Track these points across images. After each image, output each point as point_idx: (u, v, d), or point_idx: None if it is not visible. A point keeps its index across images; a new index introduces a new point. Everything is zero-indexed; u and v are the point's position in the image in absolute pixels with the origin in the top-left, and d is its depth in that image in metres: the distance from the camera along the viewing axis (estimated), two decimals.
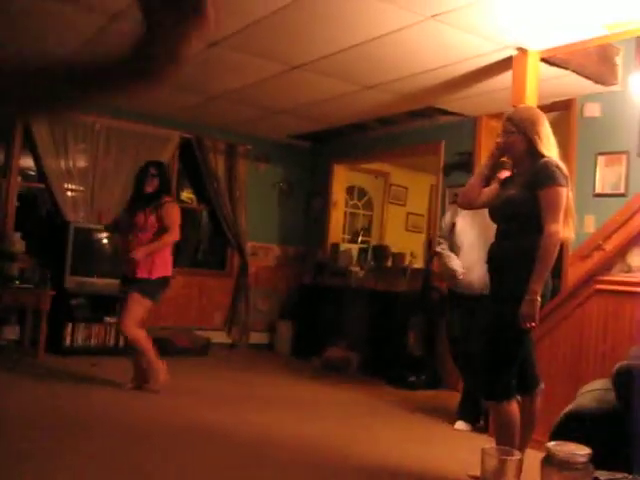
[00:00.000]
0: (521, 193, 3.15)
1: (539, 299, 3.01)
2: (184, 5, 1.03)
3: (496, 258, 3.27)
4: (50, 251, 6.77)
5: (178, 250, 8.00)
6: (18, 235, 6.44)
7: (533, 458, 2.13)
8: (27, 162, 7.02)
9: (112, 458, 3.33)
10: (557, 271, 4.51)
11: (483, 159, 3.57)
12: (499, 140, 3.32)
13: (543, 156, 3.14)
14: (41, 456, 3.23)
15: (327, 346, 7.18)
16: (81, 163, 7.09)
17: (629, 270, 4.04)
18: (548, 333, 4.20)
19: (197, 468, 3.33)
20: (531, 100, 4.50)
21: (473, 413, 4.65)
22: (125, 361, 5.26)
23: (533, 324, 3.02)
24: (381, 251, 7.86)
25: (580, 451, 1.54)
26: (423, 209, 10.02)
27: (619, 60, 5.08)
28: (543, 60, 4.68)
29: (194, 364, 6.57)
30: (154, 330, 6.76)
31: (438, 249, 5.00)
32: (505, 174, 3.67)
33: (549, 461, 1.53)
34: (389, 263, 7.61)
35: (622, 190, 5.14)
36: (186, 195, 8.37)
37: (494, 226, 3.37)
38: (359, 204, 10.25)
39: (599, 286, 4.02)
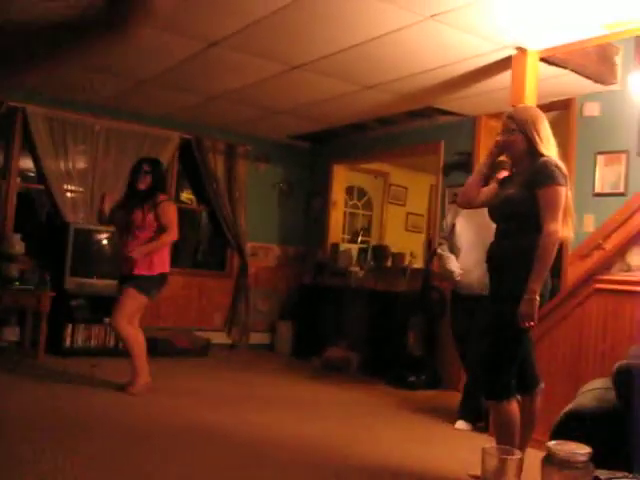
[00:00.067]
0: (520, 192, 3.15)
1: (538, 298, 3.01)
2: None
3: (495, 257, 3.27)
4: (50, 252, 6.77)
5: (178, 251, 8.04)
6: (18, 236, 6.44)
7: (533, 457, 2.14)
8: (27, 163, 7.02)
9: (112, 459, 3.33)
10: (556, 270, 4.51)
11: (482, 158, 3.56)
12: (499, 138, 3.31)
13: (542, 155, 3.13)
14: (41, 457, 3.22)
15: (327, 346, 7.18)
16: (81, 164, 7.09)
17: (629, 269, 4.04)
18: (548, 332, 4.20)
19: (197, 468, 3.33)
20: (530, 100, 4.50)
21: (474, 413, 4.65)
22: (125, 362, 5.24)
23: (532, 323, 3.01)
24: (381, 251, 7.86)
25: (580, 450, 1.54)
26: (423, 209, 10.02)
27: (618, 59, 5.08)
28: (542, 60, 4.68)
29: (194, 365, 6.57)
30: (153, 330, 6.78)
31: (438, 250, 5.02)
32: (504, 174, 3.68)
33: (549, 460, 1.53)
34: (389, 263, 7.61)
35: (622, 189, 5.14)
36: (186, 196, 8.37)
37: (493, 227, 3.37)
38: (359, 204, 10.26)
39: (599, 285, 4.02)
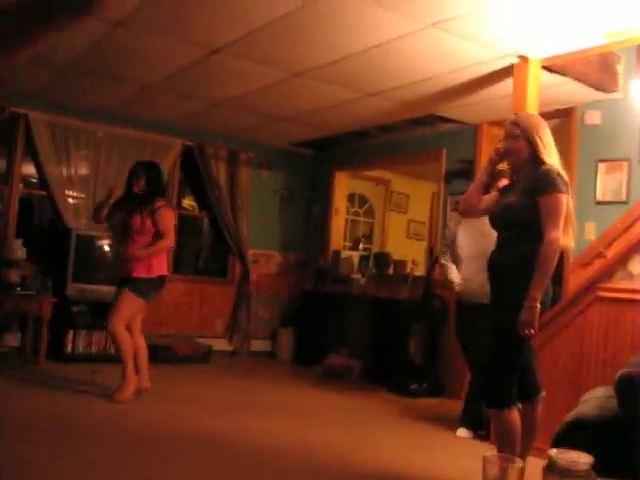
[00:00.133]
0: (521, 200, 3.15)
1: (539, 306, 3.00)
2: None
3: (496, 265, 3.27)
4: (51, 258, 6.77)
5: (180, 257, 8.06)
6: (19, 242, 6.44)
7: (535, 466, 2.13)
8: (29, 169, 7.04)
9: (112, 465, 3.32)
10: (557, 278, 4.51)
11: (482, 165, 3.55)
12: (501, 145, 3.31)
13: (544, 163, 3.14)
14: (42, 463, 3.22)
15: (328, 353, 7.17)
16: (83, 170, 7.11)
17: (630, 277, 4.03)
18: (549, 340, 4.19)
19: (198, 475, 3.33)
20: (532, 108, 4.51)
21: (475, 420, 4.65)
22: None
23: (532, 331, 3.01)
24: (382, 258, 7.86)
25: (582, 459, 1.54)
26: (424, 217, 10.02)
27: (620, 68, 5.09)
28: (544, 68, 4.69)
29: (195, 372, 6.56)
30: (155, 337, 6.78)
31: (441, 260, 5.05)
32: (504, 182, 3.68)
33: (551, 469, 1.53)
34: (390, 270, 7.61)
35: (623, 197, 5.14)
36: (187, 202, 8.38)
37: (495, 236, 3.37)
38: (360, 211, 10.26)
39: (600, 293, 4.02)
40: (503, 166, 3.48)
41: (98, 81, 6.03)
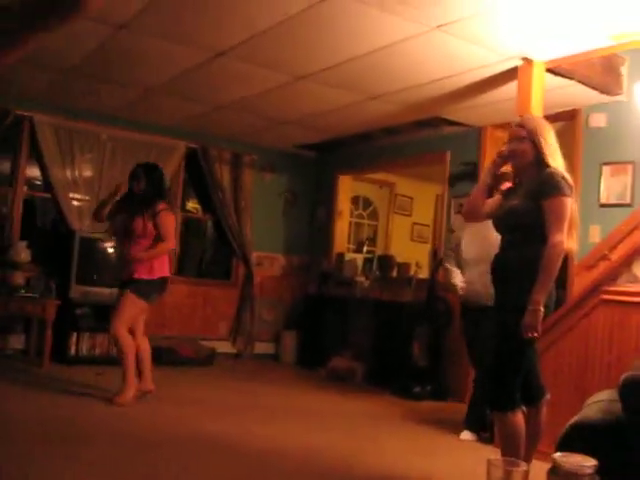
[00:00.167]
0: (525, 203, 3.14)
1: (542, 309, 2.99)
2: None
3: (500, 268, 3.26)
4: (55, 260, 6.78)
5: (183, 260, 8.06)
6: (24, 244, 6.45)
7: (539, 469, 2.13)
8: (33, 172, 7.05)
9: (115, 467, 3.32)
10: (562, 281, 4.50)
11: (485, 168, 3.54)
12: (505, 147, 3.30)
13: (549, 166, 3.13)
14: (44, 465, 3.22)
15: (332, 356, 7.17)
16: (87, 173, 7.12)
17: (635, 280, 4.02)
18: (554, 343, 4.18)
19: (201, 478, 3.33)
20: (536, 110, 4.50)
21: (479, 423, 4.64)
22: None
23: (536, 334, 3.00)
24: (386, 261, 7.86)
25: (586, 462, 1.53)
26: (428, 219, 10.01)
27: (624, 70, 5.08)
28: (548, 70, 4.68)
29: (199, 374, 6.56)
30: (158, 339, 6.78)
31: (446, 264, 5.06)
32: (507, 185, 3.67)
33: (555, 472, 1.53)
34: (394, 273, 7.60)
35: (628, 200, 5.13)
36: (191, 205, 8.39)
37: (498, 239, 3.36)
38: (364, 214, 10.26)
39: (605, 296, 4.01)
40: (506, 169, 3.47)
41: (102, 84, 6.04)
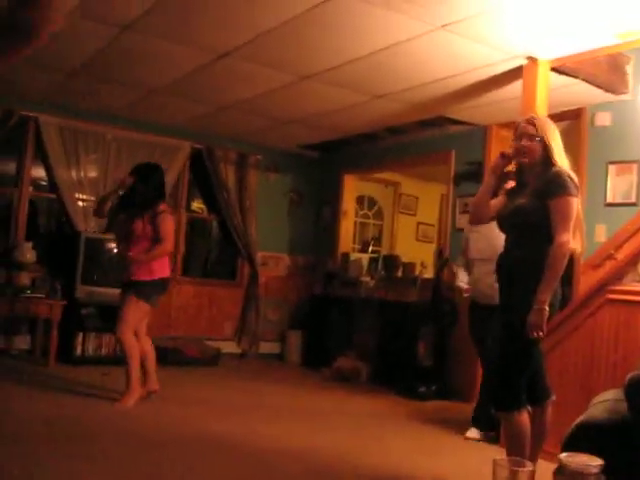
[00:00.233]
0: (531, 202, 3.13)
1: (547, 309, 2.99)
2: None
3: (505, 268, 3.25)
4: (61, 261, 6.80)
5: (188, 260, 8.07)
6: (29, 244, 6.47)
7: (545, 469, 2.12)
8: (39, 172, 7.07)
9: (121, 467, 3.33)
10: (567, 278, 4.49)
11: (488, 171, 3.52)
12: (513, 145, 3.26)
13: (555, 165, 3.12)
14: (48, 464, 3.23)
15: (337, 356, 7.16)
16: (92, 173, 7.13)
17: None
18: (559, 343, 4.17)
19: (206, 478, 3.33)
20: (541, 109, 4.49)
21: (486, 421, 4.62)
22: None
23: (541, 334, 3.00)
24: (391, 261, 7.85)
25: (592, 462, 1.53)
26: (433, 219, 10.01)
27: (629, 69, 5.06)
28: (553, 69, 4.67)
29: (204, 374, 6.57)
30: (164, 339, 6.79)
31: (453, 265, 5.10)
32: (511, 184, 3.66)
33: (561, 472, 1.52)
34: (399, 273, 7.59)
35: (633, 199, 5.12)
36: (197, 205, 8.39)
37: (503, 237, 3.35)
38: (369, 214, 10.25)
39: (610, 296, 4.00)
40: (509, 168, 3.46)
41: (107, 84, 6.05)
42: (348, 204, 8.55)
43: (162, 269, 4.90)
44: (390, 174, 9.42)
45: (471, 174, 6.59)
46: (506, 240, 3.31)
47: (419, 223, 10.42)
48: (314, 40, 4.65)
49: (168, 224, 4.90)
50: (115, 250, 6.73)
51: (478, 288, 4.73)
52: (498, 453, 3.60)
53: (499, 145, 6.21)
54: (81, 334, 6.50)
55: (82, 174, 7.01)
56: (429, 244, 9.94)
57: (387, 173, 9.24)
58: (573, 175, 3.13)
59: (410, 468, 3.81)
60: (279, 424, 4.67)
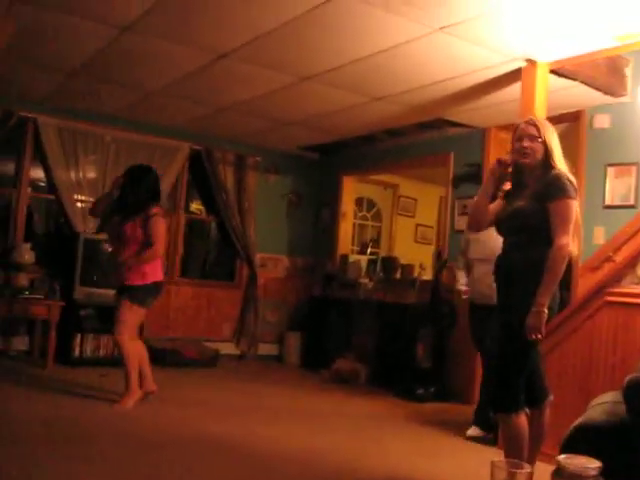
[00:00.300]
0: (530, 205, 3.13)
1: (546, 311, 2.99)
2: None
3: (503, 269, 3.26)
4: (59, 262, 6.79)
5: (187, 261, 8.07)
6: (28, 246, 6.46)
7: (543, 471, 2.12)
8: (37, 173, 7.06)
9: (119, 468, 3.32)
10: (566, 283, 4.49)
11: (487, 175, 3.49)
12: (515, 146, 3.25)
13: (555, 167, 3.12)
14: (46, 466, 3.23)
15: (336, 358, 7.16)
16: (91, 174, 7.13)
17: (639, 282, 4.01)
18: (558, 345, 4.17)
19: (205, 479, 3.32)
20: (540, 112, 4.49)
21: (488, 421, 4.61)
22: None
23: (539, 336, 3.00)
24: (390, 263, 7.85)
25: (590, 464, 1.53)
26: (432, 221, 10.01)
27: (628, 71, 5.07)
28: (552, 72, 4.67)
29: (202, 375, 6.56)
30: (162, 341, 6.79)
31: (454, 267, 5.10)
32: (509, 186, 3.65)
33: (559, 474, 1.52)
34: (398, 275, 7.60)
35: (632, 201, 5.12)
36: (195, 206, 8.39)
37: (501, 239, 3.35)
38: (368, 215, 10.26)
39: (609, 298, 4.00)
40: (506, 170, 3.45)
41: (106, 85, 6.05)
42: (347, 206, 8.55)
43: (155, 273, 4.87)
44: (389, 176, 9.43)
45: (470, 176, 6.59)
46: (504, 242, 3.31)
47: (418, 225, 10.42)
48: (314, 41, 4.65)
49: (159, 227, 4.84)
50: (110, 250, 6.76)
51: (478, 288, 4.75)
52: (496, 455, 3.60)
53: (498, 147, 6.22)
54: (79, 335, 6.48)
55: (81, 175, 7.01)
56: (428, 246, 9.94)
57: (386, 175, 9.24)
58: (572, 178, 3.13)
59: (408, 470, 3.81)
60: (278, 425, 4.66)
